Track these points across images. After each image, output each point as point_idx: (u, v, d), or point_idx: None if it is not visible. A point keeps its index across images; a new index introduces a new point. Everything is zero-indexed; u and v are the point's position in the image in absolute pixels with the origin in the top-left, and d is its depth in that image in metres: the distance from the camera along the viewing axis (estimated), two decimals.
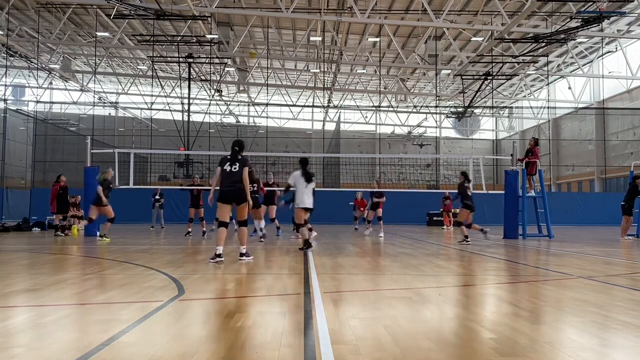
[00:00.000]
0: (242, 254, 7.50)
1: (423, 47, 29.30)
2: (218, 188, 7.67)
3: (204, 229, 14.68)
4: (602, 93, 34.35)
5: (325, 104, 38.49)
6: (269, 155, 37.24)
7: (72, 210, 17.88)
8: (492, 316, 3.88)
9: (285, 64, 36.16)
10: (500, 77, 27.87)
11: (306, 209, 9.68)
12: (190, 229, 14.64)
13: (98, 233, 13.40)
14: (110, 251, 9.24)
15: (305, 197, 9.60)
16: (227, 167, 7.55)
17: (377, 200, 15.73)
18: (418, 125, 45.66)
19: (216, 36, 27.02)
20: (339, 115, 42.93)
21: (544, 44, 22.71)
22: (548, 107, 38.81)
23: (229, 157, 7.69)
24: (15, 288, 5.02)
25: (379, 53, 29.82)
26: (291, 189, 9.88)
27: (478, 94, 29.00)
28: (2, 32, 26.08)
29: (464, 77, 27.93)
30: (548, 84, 36.10)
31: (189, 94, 27.47)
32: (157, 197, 20.23)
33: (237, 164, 7.53)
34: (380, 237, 14.77)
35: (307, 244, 9.39)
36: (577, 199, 30.19)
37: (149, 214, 21.00)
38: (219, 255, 7.28)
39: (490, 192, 19.45)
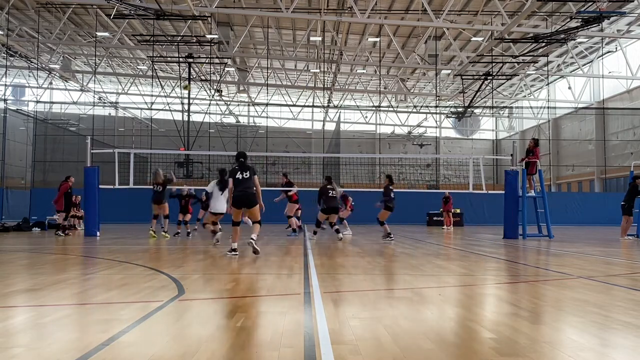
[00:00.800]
0: (252, 239, 8.18)
1: (423, 47, 29.29)
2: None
3: (179, 231, 14.88)
4: (602, 93, 34.34)
5: (325, 104, 38.49)
6: (269, 155, 37.26)
7: (73, 210, 17.90)
8: (492, 316, 3.88)
9: (285, 64, 36.15)
10: (500, 77, 27.86)
11: (217, 214, 11.10)
12: (179, 230, 14.96)
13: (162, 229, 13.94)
14: (110, 251, 9.25)
15: (218, 204, 10.99)
16: (239, 176, 8.39)
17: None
18: (418, 125, 45.65)
19: (216, 36, 27.02)
20: (339, 115, 42.93)
21: (544, 44, 22.70)
22: (548, 107, 38.79)
23: (237, 167, 8.54)
24: (15, 288, 5.02)
25: (379, 53, 29.81)
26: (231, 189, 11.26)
27: (478, 94, 29.00)
28: (2, 32, 26.08)
29: (464, 77, 27.91)
30: (548, 84, 36.09)
31: (189, 94, 27.45)
32: None
33: (248, 172, 8.44)
34: (346, 234, 15.30)
35: (216, 239, 10.87)
36: (577, 199, 30.19)
37: (149, 214, 20.97)
38: (234, 250, 8.20)
39: (490, 192, 19.47)
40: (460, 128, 47.95)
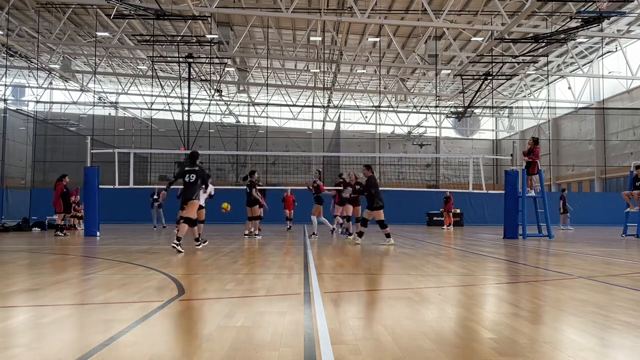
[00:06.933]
0: (252, 233, 13.55)
1: (423, 47, 29.28)
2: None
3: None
4: (602, 93, 34.31)
5: (325, 104, 38.47)
6: (269, 155, 37.26)
7: (72, 209, 17.87)
8: (492, 316, 3.88)
9: (285, 64, 36.14)
10: (500, 77, 27.84)
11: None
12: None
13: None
14: (110, 251, 9.25)
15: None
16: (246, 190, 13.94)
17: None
18: (418, 125, 45.65)
19: (216, 36, 27.01)
20: (339, 115, 42.91)
21: (544, 44, 22.70)
22: (548, 107, 38.78)
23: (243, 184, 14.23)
24: (15, 288, 5.02)
25: (379, 53, 29.80)
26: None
27: (478, 94, 28.98)
28: (2, 32, 26.07)
29: (464, 77, 27.89)
30: (548, 84, 36.07)
31: (189, 94, 27.45)
32: (155, 197, 20.07)
33: (247, 188, 13.68)
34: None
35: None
36: (577, 199, 30.17)
37: (150, 214, 20.97)
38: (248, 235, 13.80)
39: (490, 192, 19.45)
40: (460, 128, 47.94)
